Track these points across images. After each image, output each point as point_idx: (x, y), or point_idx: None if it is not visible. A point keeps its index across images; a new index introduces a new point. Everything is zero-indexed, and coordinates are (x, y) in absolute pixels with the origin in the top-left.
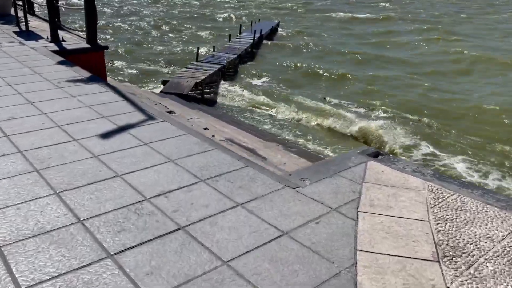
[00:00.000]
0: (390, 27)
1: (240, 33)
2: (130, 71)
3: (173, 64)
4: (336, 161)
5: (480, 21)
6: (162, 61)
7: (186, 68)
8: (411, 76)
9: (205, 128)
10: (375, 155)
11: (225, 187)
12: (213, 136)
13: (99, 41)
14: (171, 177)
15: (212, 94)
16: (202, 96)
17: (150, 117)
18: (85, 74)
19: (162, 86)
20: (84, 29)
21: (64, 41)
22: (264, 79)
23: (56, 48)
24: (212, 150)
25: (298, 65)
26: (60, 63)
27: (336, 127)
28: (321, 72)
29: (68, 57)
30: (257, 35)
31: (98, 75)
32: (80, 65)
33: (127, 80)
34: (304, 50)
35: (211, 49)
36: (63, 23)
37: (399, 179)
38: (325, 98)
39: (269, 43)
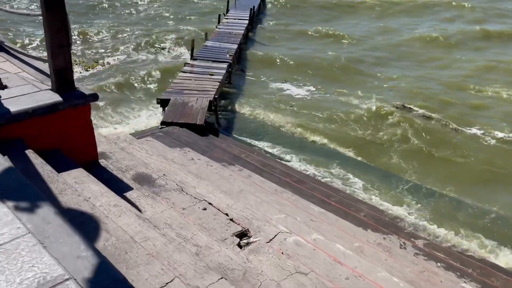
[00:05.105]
0: None
1: (227, 11)
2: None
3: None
4: None
5: None
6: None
7: (182, 71)
8: None
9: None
10: None
11: None
12: None
13: (78, 84)
14: None
15: (224, 113)
16: (216, 119)
17: None
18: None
19: (158, 108)
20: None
21: (5, 87)
22: (295, 82)
23: None
24: None
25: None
26: None
27: None
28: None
29: (12, 127)
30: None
31: (77, 155)
32: (38, 140)
33: (113, 120)
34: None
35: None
36: (5, 38)
37: None
38: (400, 105)
39: (270, 23)
